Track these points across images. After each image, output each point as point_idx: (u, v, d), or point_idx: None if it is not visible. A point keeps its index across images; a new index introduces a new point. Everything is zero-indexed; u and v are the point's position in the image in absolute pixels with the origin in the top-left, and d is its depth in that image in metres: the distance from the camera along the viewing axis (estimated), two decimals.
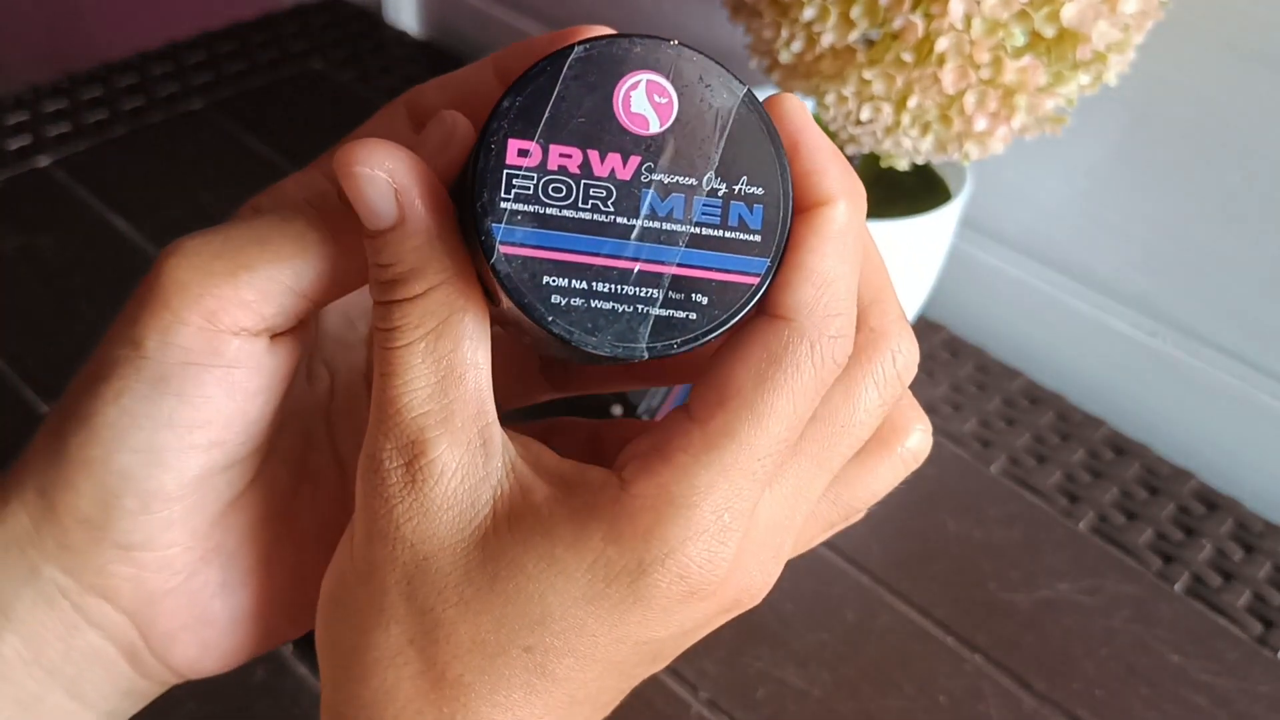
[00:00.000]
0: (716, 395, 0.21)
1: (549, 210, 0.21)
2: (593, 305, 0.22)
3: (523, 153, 0.21)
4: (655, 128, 0.22)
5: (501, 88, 0.23)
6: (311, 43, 0.83)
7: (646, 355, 0.22)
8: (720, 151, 0.22)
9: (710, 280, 0.22)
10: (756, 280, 0.22)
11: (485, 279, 0.22)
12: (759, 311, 0.22)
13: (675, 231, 0.22)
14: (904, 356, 0.23)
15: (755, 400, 0.21)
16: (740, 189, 0.22)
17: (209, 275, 0.23)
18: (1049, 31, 0.40)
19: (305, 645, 0.44)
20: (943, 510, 0.51)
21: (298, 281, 0.23)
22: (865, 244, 0.23)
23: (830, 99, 0.44)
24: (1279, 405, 0.54)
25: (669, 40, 0.22)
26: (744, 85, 0.22)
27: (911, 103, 0.42)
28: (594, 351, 0.22)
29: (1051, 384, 0.59)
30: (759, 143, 0.22)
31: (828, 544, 0.49)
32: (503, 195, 0.21)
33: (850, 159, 0.52)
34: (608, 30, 0.23)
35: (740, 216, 0.22)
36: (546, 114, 0.22)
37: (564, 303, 0.21)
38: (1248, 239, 0.52)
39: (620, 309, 0.22)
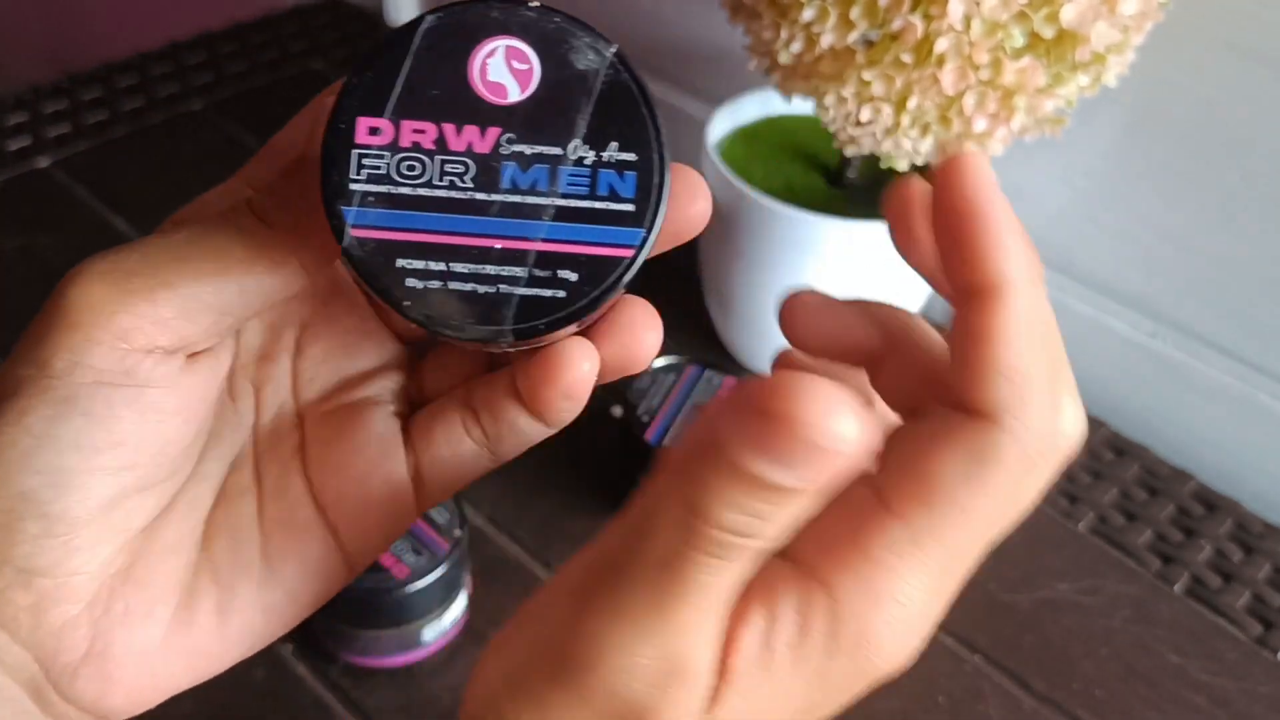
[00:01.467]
0: (918, 490, 0.20)
1: (402, 190, 0.20)
2: (450, 287, 0.21)
3: (373, 130, 0.20)
4: (515, 96, 0.21)
5: None
6: (311, 43, 0.83)
7: (512, 338, 0.21)
8: (588, 118, 0.21)
9: (579, 255, 0.21)
10: (631, 252, 0.21)
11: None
12: (957, 408, 0.20)
13: (539, 205, 0.21)
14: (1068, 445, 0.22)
15: (964, 502, 0.20)
16: (610, 156, 0.21)
17: (125, 293, 0.22)
18: (1048, 33, 0.40)
19: (304, 645, 0.44)
20: None
21: (218, 298, 0.22)
22: (1050, 326, 0.22)
23: (830, 100, 0.44)
24: (1278, 406, 0.54)
25: (528, 2, 0.21)
26: (612, 45, 0.21)
27: (911, 104, 0.42)
28: (455, 336, 0.21)
29: None
30: (630, 106, 0.21)
31: None
32: (353, 176, 0.20)
33: (849, 160, 0.52)
34: (447, 10, 0.21)
35: (611, 185, 0.21)
36: (398, 88, 0.20)
37: (420, 286, 0.20)
38: (1247, 240, 0.52)
39: (481, 290, 0.21)
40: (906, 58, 0.41)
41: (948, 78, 0.41)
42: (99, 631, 0.23)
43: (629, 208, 0.21)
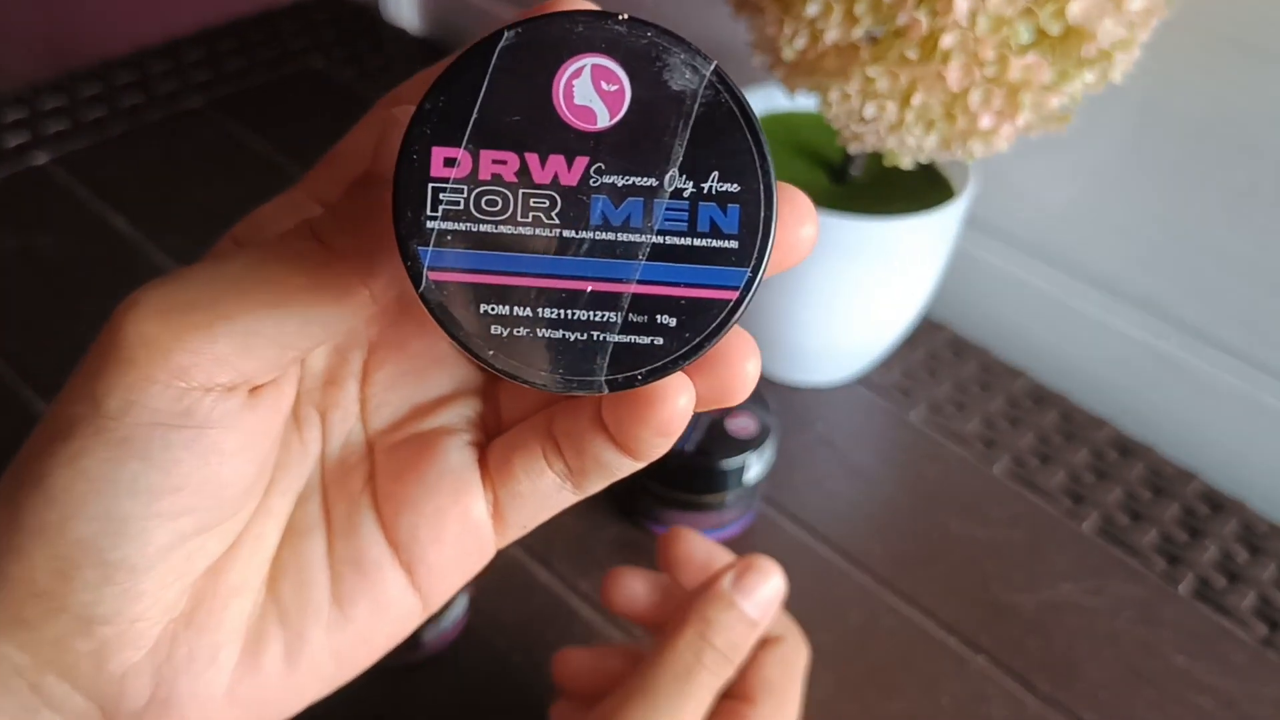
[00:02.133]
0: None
1: (483, 228, 0.19)
2: (539, 335, 0.19)
3: (449, 161, 0.18)
4: (604, 121, 0.19)
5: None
6: (311, 40, 0.83)
7: (607, 390, 0.19)
8: (685, 144, 0.19)
9: (678, 298, 0.19)
10: (735, 294, 0.19)
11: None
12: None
13: (633, 243, 0.19)
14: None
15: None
16: (711, 187, 0.19)
17: (182, 329, 0.20)
18: (1054, 29, 0.40)
19: None
20: (946, 511, 0.51)
21: (280, 330, 0.21)
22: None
23: (834, 96, 0.43)
24: None
25: (617, 15, 0.19)
26: (711, 61, 0.19)
27: (916, 100, 0.42)
28: (544, 388, 0.19)
29: (1055, 384, 0.58)
30: (731, 130, 0.19)
31: (830, 545, 0.49)
32: (428, 213, 0.18)
33: (853, 157, 0.52)
34: (544, 8, 0.19)
35: (712, 220, 0.19)
36: (475, 114, 0.19)
37: (505, 333, 0.19)
38: (1253, 239, 0.51)
39: (572, 338, 0.19)
40: (911, 54, 0.41)
41: (953, 74, 0.40)
42: (162, 679, 0.22)
43: (732, 245, 0.19)
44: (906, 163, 0.46)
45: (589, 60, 0.19)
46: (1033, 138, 0.44)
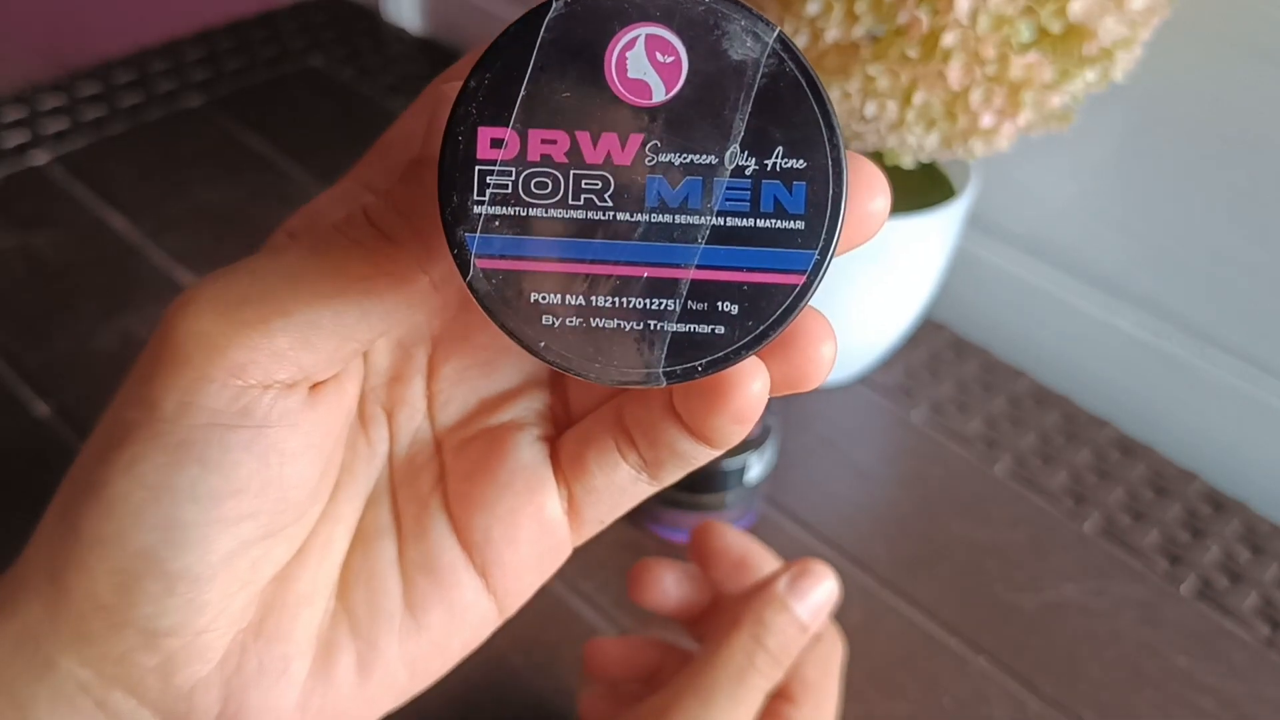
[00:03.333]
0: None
1: (533, 211, 0.18)
2: (594, 325, 0.18)
3: (496, 142, 0.17)
4: (660, 95, 0.18)
5: None
6: (311, 40, 0.82)
7: (665, 382, 0.18)
8: (747, 118, 0.18)
9: (740, 283, 0.18)
10: (802, 279, 0.18)
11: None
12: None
13: (692, 225, 0.18)
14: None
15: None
16: (775, 163, 0.18)
17: (238, 324, 0.20)
18: (1056, 27, 0.40)
19: None
20: (947, 512, 0.51)
21: (338, 322, 0.20)
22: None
23: (834, 95, 0.43)
24: None
25: None
26: (774, 27, 0.17)
27: (917, 99, 0.42)
28: (598, 380, 0.18)
29: (1057, 384, 0.58)
30: (797, 101, 0.18)
31: (831, 545, 0.49)
32: (475, 197, 0.17)
33: None
34: None
35: (776, 199, 0.18)
36: (522, 91, 0.17)
37: (556, 324, 0.18)
38: (1256, 238, 0.51)
39: (627, 327, 0.18)
40: (912, 53, 0.40)
41: (954, 73, 0.40)
42: (232, 692, 0.22)
43: (799, 225, 0.18)
44: (907, 162, 0.46)
45: (643, 30, 0.17)
46: (1034, 137, 0.44)
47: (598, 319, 0.18)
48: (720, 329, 0.18)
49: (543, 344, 0.18)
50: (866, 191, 0.19)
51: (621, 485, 0.22)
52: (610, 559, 0.47)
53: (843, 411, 0.56)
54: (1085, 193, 0.56)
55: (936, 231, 0.50)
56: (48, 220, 0.64)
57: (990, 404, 0.57)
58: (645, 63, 0.17)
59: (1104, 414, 0.56)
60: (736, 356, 0.18)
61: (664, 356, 0.18)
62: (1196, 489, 0.53)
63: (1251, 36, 0.48)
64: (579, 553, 0.36)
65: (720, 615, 0.34)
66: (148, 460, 0.20)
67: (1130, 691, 0.44)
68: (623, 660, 0.36)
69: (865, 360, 0.57)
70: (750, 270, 0.18)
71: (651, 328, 0.18)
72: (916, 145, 0.44)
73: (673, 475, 0.22)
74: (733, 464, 0.46)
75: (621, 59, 0.17)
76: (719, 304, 0.18)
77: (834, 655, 0.34)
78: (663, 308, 0.18)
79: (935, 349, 0.60)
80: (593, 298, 0.18)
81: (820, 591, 0.33)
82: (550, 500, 0.23)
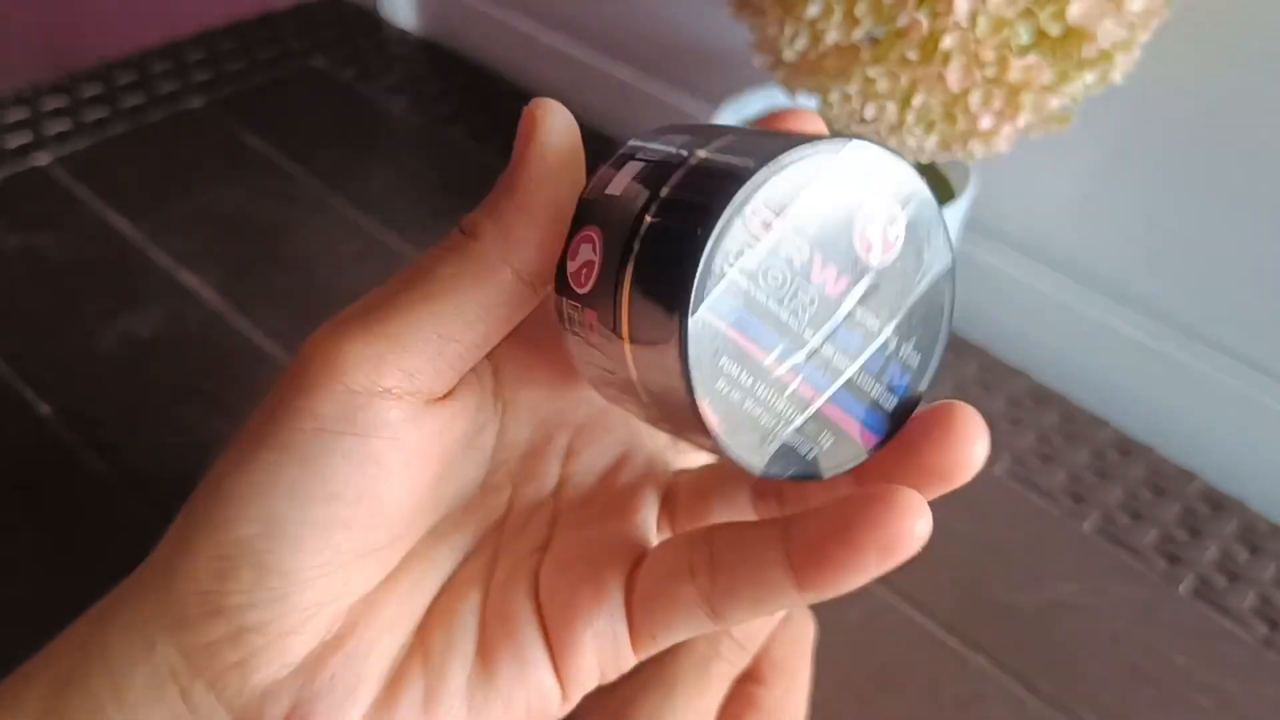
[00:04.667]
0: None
1: (758, 295, 0.20)
2: (745, 405, 0.20)
3: (766, 224, 0.19)
4: (875, 260, 0.20)
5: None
6: (311, 41, 0.83)
7: (759, 473, 0.21)
8: (908, 308, 0.21)
9: (841, 427, 0.21)
10: (870, 447, 0.21)
11: (635, 324, 0.20)
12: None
13: (840, 368, 0.21)
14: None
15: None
16: (904, 352, 0.21)
17: (344, 334, 0.21)
18: (1054, 30, 0.40)
19: None
20: (947, 511, 0.51)
21: (435, 321, 0.21)
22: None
23: (834, 97, 0.43)
24: None
25: (923, 185, 0.21)
26: (953, 254, 0.21)
27: (916, 101, 0.42)
28: (714, 446, 0.20)
29: (1056, 385, 0.58)
30: (937, 317, 0.21)
31: None
32: (730, 261, 0.19)
33: None
34: (876, 145, 0.21)
35: (891, 378, 0.21)
36: (798, 199, 0.19)
37: (725, 390, 0.20)
38: (1254, 240, 0.51)
39: (762, 419, 0.20)
40: (912, 55, 0.41)
41: (953, 75, 0.40)
42: (300, 701, 0.22)
43: (891, 404, 0.21)
44: None
45: (892, 206, 0.20)
46: (1033, 138, 0.45)
47: (750, 402, 0.20)
48: (813, 454, 0.21)
49: (707, 401, 0.20)
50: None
51: (684, 613, 0.23)
52: None
53: None
54: (1084, 194, 0.56)
55: None
56: (50, 221, 0.64)
57: (989, 404, 0.57)
58: (879, 229, 0.20)
59: (1103, 414, 0.57)
60: (812, 478, 0.21)
61: (768, 457, 0.21)
62: (1195, 489, 0.53)
63: (1250, 39, 0.48)
64: None
65: None
66: (256, 459, 0.21)
67: (1129, 691, 0.45)
68: None
69: None
70: (852, 420, 0.21)
71: (775, 428, 0.21)
72: (916, 147, 0.44)
73: (737, 616, 0.23)
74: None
75: (869, 215, 0.20)
76: (822, 434, 0.21)
77: (804, 635, 0.35)
78: (790, 416, 0.21)
79: None
80: (757, 384, 0.20)
81: None
82: (620, 626, 0.24)
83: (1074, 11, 0.39)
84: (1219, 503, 0.53)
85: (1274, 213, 0.50)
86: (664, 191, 0.20)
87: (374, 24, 0.85)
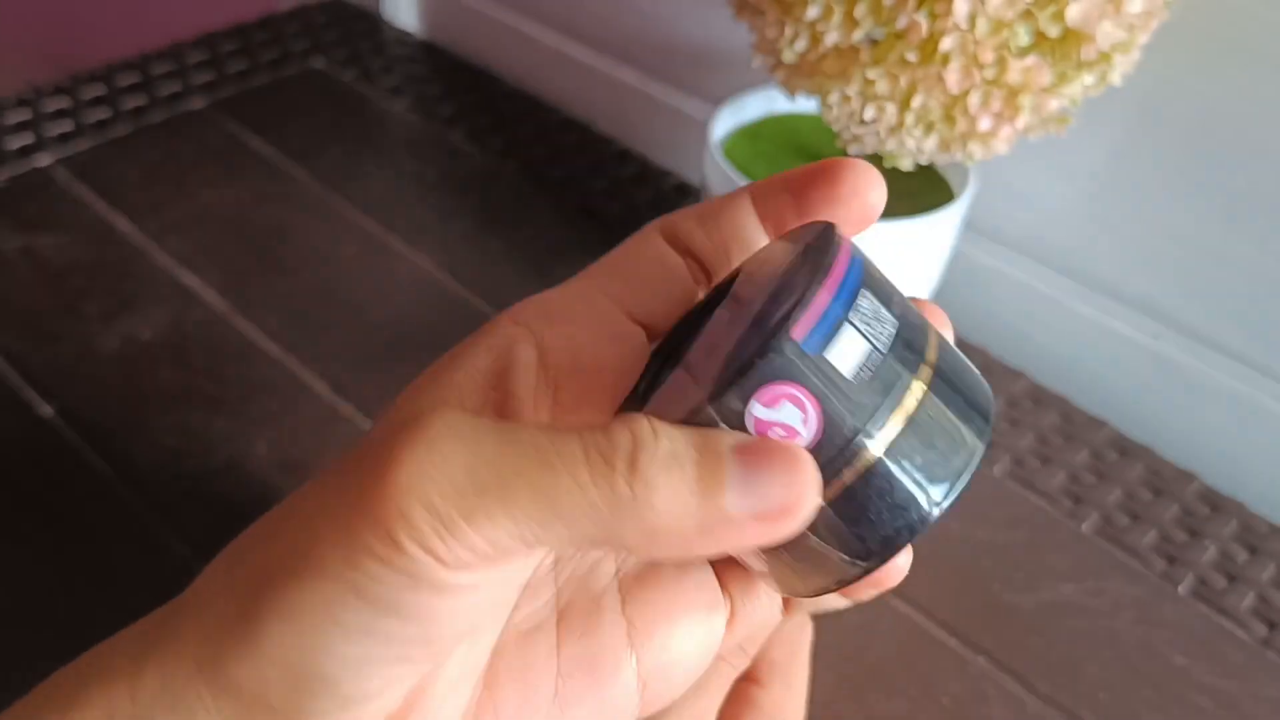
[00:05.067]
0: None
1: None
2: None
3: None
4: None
5: (764, 225, 0.24)
6: (312, 42, 0.83)
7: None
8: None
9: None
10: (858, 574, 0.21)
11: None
12: None
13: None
14: None
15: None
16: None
17: (448, 519, 0.19)
18: (1054, 31, 0.40)
19: None
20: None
21: (544, 532, 0.19)
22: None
23: (834, 98, 0.44)
24: None
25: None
26: (987, 441, 0.21)
27: (915, 102, 0.42)
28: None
29: (1055, 385, 0.58)
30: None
31: None
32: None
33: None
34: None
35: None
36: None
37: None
38: (1252, 241, 0.52)
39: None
40: (911, 56, 0.41)
41: (952, 76, 0.40)
42: None
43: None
44: (906, 165, 0.46)
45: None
46: (1032, 140, 0.45)
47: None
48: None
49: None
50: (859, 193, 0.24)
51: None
52: None
53: None
54: (1083, 195, 0.56)
55: (935, 233, 0.51)
56: (51, 222, 0.64)
57: None
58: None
59: (1102, 414, 0.57)
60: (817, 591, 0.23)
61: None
62: (1194, 489, 0.53)
63: (1248, 40, 0.48)
64: None
65: None
66: (331, 600, 0.20)
67: (1128, 691, 0.45)
68: None
69: None
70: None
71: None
72: (915, 148, 0.44)
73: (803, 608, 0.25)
74: None
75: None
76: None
77: (802, 635, 0.34)
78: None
79: None
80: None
81: None
82: (718, 615, 0.24)
83: (1073, 13, 0.39)
84: (1218, 503, 0.53)
85: (1273, 214, 0.51)
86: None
87: (375, 26, 0.85)
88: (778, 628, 0.34)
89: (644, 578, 0.24)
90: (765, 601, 0.25)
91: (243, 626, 0.21)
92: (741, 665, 0.32)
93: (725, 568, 0.24)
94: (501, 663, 0.23)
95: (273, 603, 0.20)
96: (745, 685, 0.33)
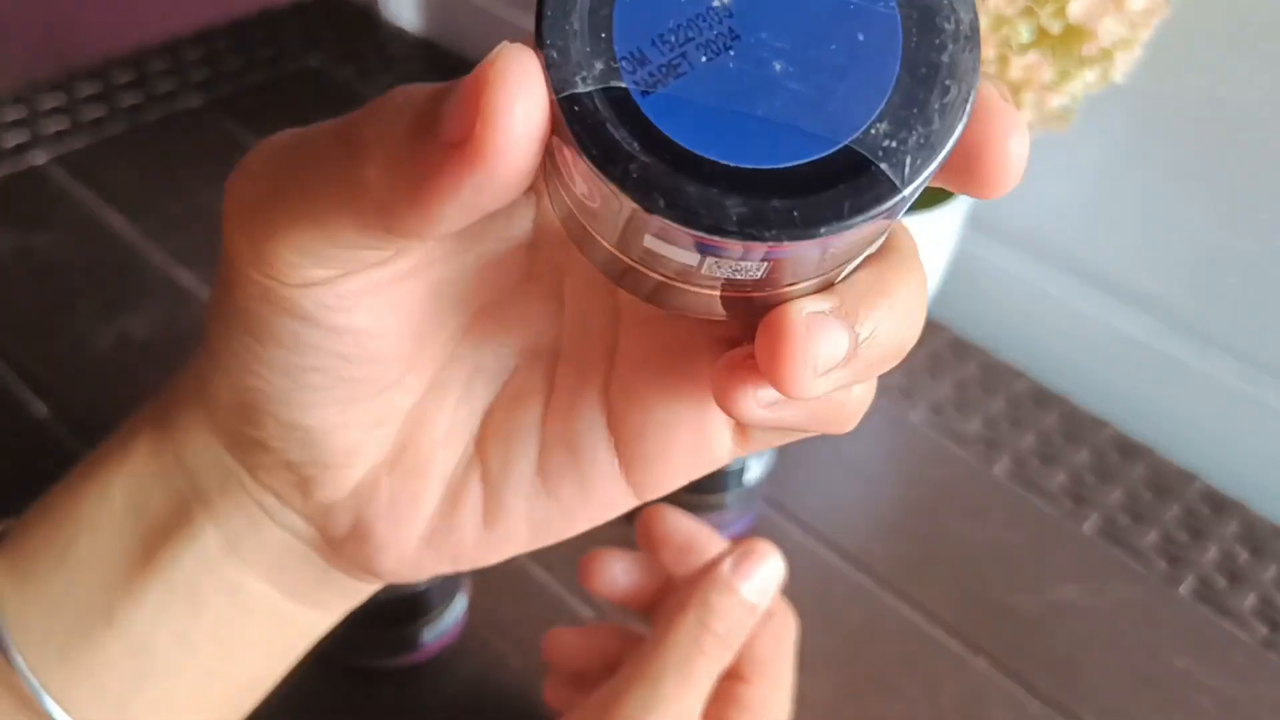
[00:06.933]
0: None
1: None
2: None
3: None
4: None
5: None
6: (310, 40, 0.82)
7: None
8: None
9: None
10: None
11: None
12: None
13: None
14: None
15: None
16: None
17: (284, 227, 0.19)
18: (1055, 28, 0.40)
19: None
20: (947, 512, 0.51)
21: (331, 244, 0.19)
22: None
23: None
24: None
25: None
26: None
27: None
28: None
29: (1056, 385, 0.58)
30: None
31: (830, 546, 0.49)
32: None
33: None
34: None
35: None
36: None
37: None
38: (1255, 239, 0.51)
39: None
40: None
41: None
42: (361, 519, 0.23)
43: None
44: None
45: None
46: (1034, 137, 0.44)
47: None
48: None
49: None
50: None
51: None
52: None
53: None
54: (1084, 193, 0.56)
55: (936, 231, 0.50)
56: (47, 220, 0.64)
57: (989, 404, 0.57)
58: None
59: (1103, 414, 0.57)
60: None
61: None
62: (1195, 489, 0.53)
63: (1251, 37, 0.48)
64: (578, 554, 0.36)
65: (670, 600, 0.33)
66: (234, 337, 0.21)
67: (1129, 692, 0.44)
68: (581, 649, 0.36)
69: None
70: None
71: None
72: None
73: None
74: (732, 465, 0.46)
75: None
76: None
77: (786, 632, 0.34)
78: None
79: (934, 349, 0.60)
80: None
81: (765, 570, 0.32)
82: (716, 420, 0.22)
83: (1074, 9, 0.39)
84: (1219, 503, 0.52)
85: (1276, 211, 0.50)
86: None
87: (373, 23, 0.85)
88: (762, 624, 0.33)
89: (642, 361, 0.22)
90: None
91: (205, 358, 0.23)
92: (725, 660, 0.32)
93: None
94: (490, 428, 0.23)
95: (210, 348, 0.23)
96: (730, 682, 0.33)
